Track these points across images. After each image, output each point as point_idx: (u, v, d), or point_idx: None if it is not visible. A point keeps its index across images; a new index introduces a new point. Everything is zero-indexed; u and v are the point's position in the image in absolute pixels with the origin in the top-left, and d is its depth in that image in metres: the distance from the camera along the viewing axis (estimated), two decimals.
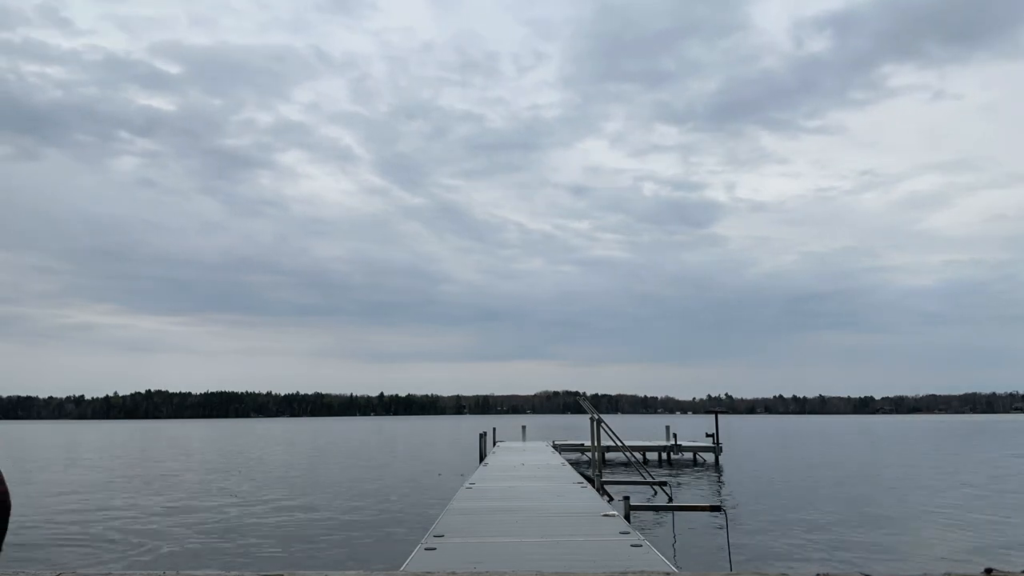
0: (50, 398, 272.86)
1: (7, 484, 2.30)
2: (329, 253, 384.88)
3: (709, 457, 33.05)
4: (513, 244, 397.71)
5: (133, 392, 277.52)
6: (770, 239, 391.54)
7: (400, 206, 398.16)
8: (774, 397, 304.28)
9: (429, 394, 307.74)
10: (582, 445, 32.47)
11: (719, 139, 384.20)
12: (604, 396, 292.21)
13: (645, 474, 20.59)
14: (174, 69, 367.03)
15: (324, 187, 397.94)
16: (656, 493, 19.21)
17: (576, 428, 72.63)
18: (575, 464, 23.68)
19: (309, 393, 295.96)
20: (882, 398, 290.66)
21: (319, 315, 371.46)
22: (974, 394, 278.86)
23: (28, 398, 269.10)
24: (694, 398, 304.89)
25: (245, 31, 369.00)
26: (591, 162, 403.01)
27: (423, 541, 8.40)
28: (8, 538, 2.31)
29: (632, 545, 8.11)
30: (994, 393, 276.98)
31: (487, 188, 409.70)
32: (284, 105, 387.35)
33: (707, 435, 33.68)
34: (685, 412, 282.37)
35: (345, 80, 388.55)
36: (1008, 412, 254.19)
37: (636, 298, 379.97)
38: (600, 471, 18.11)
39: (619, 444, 21.02)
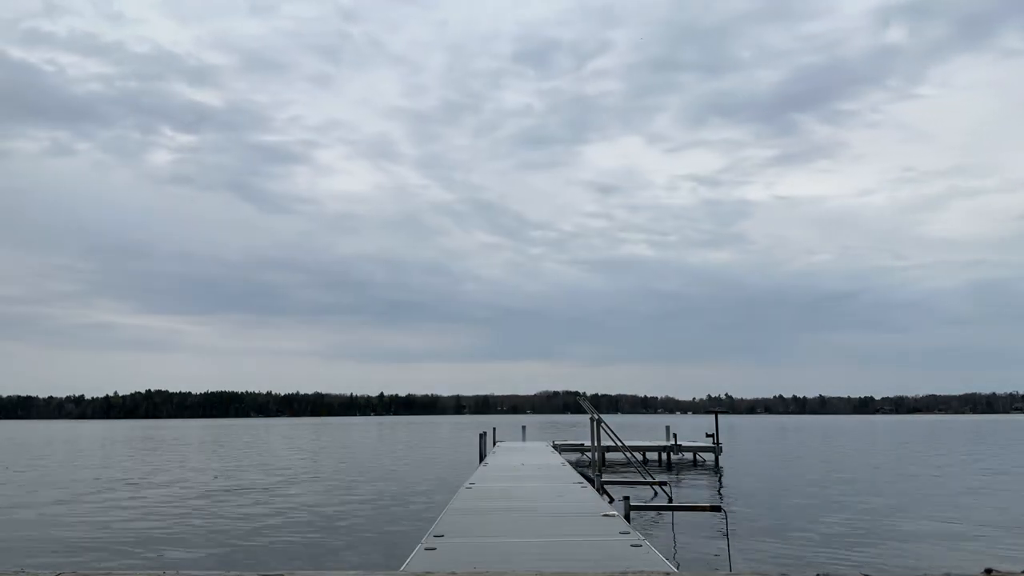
0: (50, 398, 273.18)
1: None
2: (356, 251, 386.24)
3: (709, 457, 33.03)
4: (541, 242, 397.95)
5: (133, 392, 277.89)
6: (799, 239, 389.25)
7: (436, 203, 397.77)
8: (774, 397, 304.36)
9: (429, 394, 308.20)
10: (582, 445, 32.45)
11: (772, 132, 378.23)
12: (604, 396, 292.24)
13: (645, 474, 20.58)
14: (222, 61, 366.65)
15: (361, 184, 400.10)
16: (656, 493, 19.22)
17: (576, 428, 72.66)
18: (575, 464, 23.67)
19: (309, 393, 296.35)
20: (882, 398, 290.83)
21: (332, 315, 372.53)
22: (974, 394, 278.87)
23: (28, 398, 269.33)
24: (694, 398, 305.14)
25: (302, 19, 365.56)
26: (632, 158, 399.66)
27: (423, 541, 8.40)
28: None
29: (632, 545, 8.11)
30: (994, 393, 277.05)
31: (527, 184, 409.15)
32: (332, 99, 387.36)
33: (707, 435, 33.67)
34: (685, 412, 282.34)
35: (398, 72, 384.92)
36: (1008, 412, 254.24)
37: (655, 298, 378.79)
38: (600, 471, 18.11)
39: (619, 444, 21.02)
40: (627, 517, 10.82)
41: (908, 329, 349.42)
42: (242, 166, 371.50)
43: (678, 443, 33.00)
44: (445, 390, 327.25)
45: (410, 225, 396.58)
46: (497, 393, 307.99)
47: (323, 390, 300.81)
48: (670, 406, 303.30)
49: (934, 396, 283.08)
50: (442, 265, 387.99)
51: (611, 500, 15.89)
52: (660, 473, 25.37)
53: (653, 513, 15.94)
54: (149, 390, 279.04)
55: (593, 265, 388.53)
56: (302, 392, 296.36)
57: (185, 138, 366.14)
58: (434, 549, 7.87)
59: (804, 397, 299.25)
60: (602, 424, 19.05)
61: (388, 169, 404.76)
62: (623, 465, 29.11)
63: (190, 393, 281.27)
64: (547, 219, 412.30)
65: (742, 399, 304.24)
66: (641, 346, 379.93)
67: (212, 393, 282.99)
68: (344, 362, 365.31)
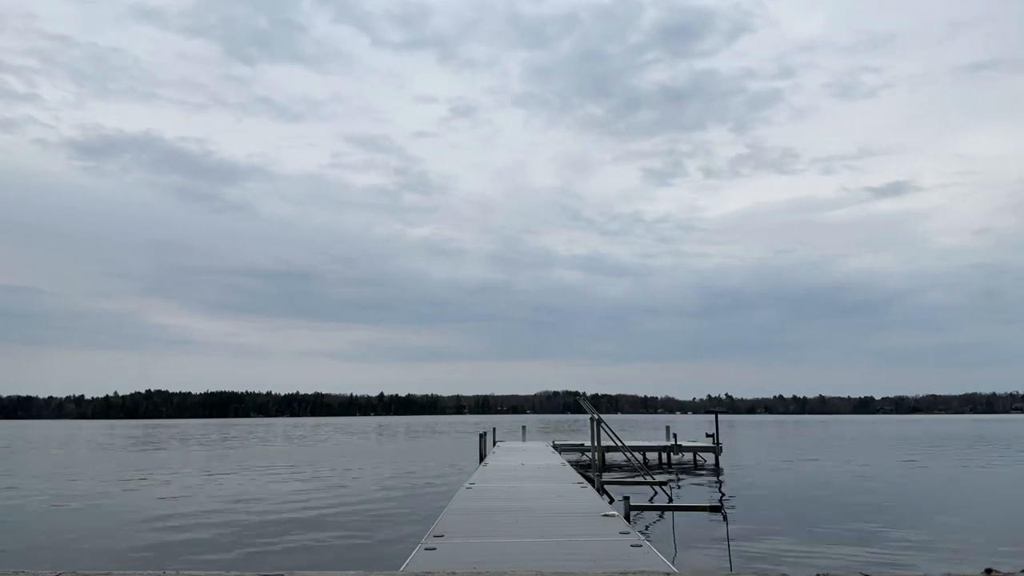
0: (50, 398, 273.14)
1: None
2: (413, 247, 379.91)
3: (709, 458, 33.02)
4: (600, 240, 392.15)
5: (133, 392, 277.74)
6: (857, 240, 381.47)
7: (521, 200, 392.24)
8: (774, 397, 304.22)
9: (429, 394, 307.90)
10: (582, 445, 32.44)
11: (916, 114, 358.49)
12: (604, 396, 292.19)
13: (645, 474, 20.57)
14: (345, 34, 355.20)
15: (455, 178, 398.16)
16: (656, 493, 19.20)
17: (576, 428, 72.67)
18: (575, 464, 23.67)
19: (309, 393, 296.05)
20: (882, 398, 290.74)
21: (357, 314, 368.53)
22: (974, 394, 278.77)
23: (28, 398, 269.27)
24: (694, 398, 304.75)
25: None
26: (729, 148, 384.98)
27: (423, 541, 8.40)
28: None
29: (632, 545, 8.11)
30: (994, 393, 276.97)
31: (622, 177, 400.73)
32: (451, 82, 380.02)
33: (707, 435, 33.66)
34: (685, 412, 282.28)
35: (525, 53, 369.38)
36: (1008, 412, 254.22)
37: (682, 298, 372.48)
38: (600, 471, 18.11)
39: (619, 444, 21.01)
40: (627, 517, 10.82)
41: (909, 328, 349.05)
42: (329, 159, 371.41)
43: (678, 443, 32.98)
44: (445, 390, 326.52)
45: (482, 221, 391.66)
46: (497, 393, 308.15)
47: (323, 390, 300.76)
48: (670, 406, 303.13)
49: (934, 396, 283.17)
50: (502, 261, 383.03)
51: (611, 500, 15.89)
52: (660, 473, 25.37)
53: (653, 513, 15.93)
54: (149, 390, 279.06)
55: (624, 266, 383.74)
56: (302, 392, 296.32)
57: (281, 128, 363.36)
58: (434, 549, 7.88)
59: (804, 397, 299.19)
60: (602, 424, 19.05)
61: (479, 164, 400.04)
62: (623, 465, 29.11)
63: (190, 393, 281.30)
64: (636, 211, 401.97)
65: (742, 399, 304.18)
66: (644, 346, 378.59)
67: (212, 393, 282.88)
68: (345, 363, 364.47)
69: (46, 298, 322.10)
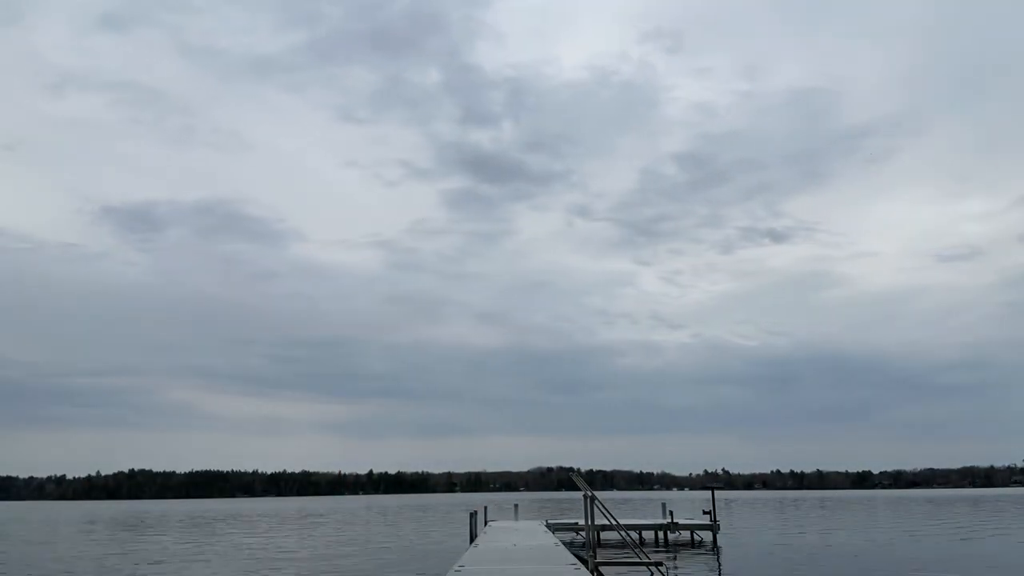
0: (31, 478, 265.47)
1: None
2: (460, 317, 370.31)
3: (707, 535, 32.20)
4: (651, 311, 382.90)
5: (116, 472, 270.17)
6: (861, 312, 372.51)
7: (582, 268, 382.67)
8: (771, 472, 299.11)
9: (420, 471, 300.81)
10: (576, 524, 31.61)
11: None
12: (599, 472, 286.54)
13: (641, 554, 19.96)
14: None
15: (521, 240, 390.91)
16: (652, 574, 18.59)
17: (570, 505, 71.04)
18: (569, 544, 23.00)
19: (296, 471, 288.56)
20: (880, 472, 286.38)
21: (376, 390, 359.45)
22: (972, 467, 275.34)
23: (8, 478, 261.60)
24: (691, 473, 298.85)
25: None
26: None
27: None
28: None
29: None
30: (992, 466, 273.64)
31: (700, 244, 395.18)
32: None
33: (704, 512, 32.91)
34: (682, 488, 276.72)
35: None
36: (1007, 486, 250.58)
37: (695, 370, 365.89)
38: (595, 552, 17.57)
39: (614, 523, 20.46)
40: None
41: (902, 401, 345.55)
42: (408, 224, 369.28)
43: (675, 521, 32.21)
44: (435, 467, 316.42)
45: (533, 290, 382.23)
46: (489, 470, 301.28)
47: (313, 467, 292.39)
48: (666, 482, 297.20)
49: (932, 469, 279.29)
50: (541, 331, 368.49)
51: None
52: (656, 553, 24.65)
53: None
54: (132, 469, 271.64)
55: (646, 338, 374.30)
56: (289, 470, 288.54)
57: (375, 190, 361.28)
58: None
59: (802, 472, 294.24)
60: (596, 501, 18.58)
61: (579, 226, 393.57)
62: (619, 545, 28.29)
63: (174, 472, 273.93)
64: (670, 284, 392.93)
65: (739, 474, 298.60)
66: (640, 418, 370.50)
67: (196, 473, 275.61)
68: (347, 437, 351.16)
69: (55, 374, 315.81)
